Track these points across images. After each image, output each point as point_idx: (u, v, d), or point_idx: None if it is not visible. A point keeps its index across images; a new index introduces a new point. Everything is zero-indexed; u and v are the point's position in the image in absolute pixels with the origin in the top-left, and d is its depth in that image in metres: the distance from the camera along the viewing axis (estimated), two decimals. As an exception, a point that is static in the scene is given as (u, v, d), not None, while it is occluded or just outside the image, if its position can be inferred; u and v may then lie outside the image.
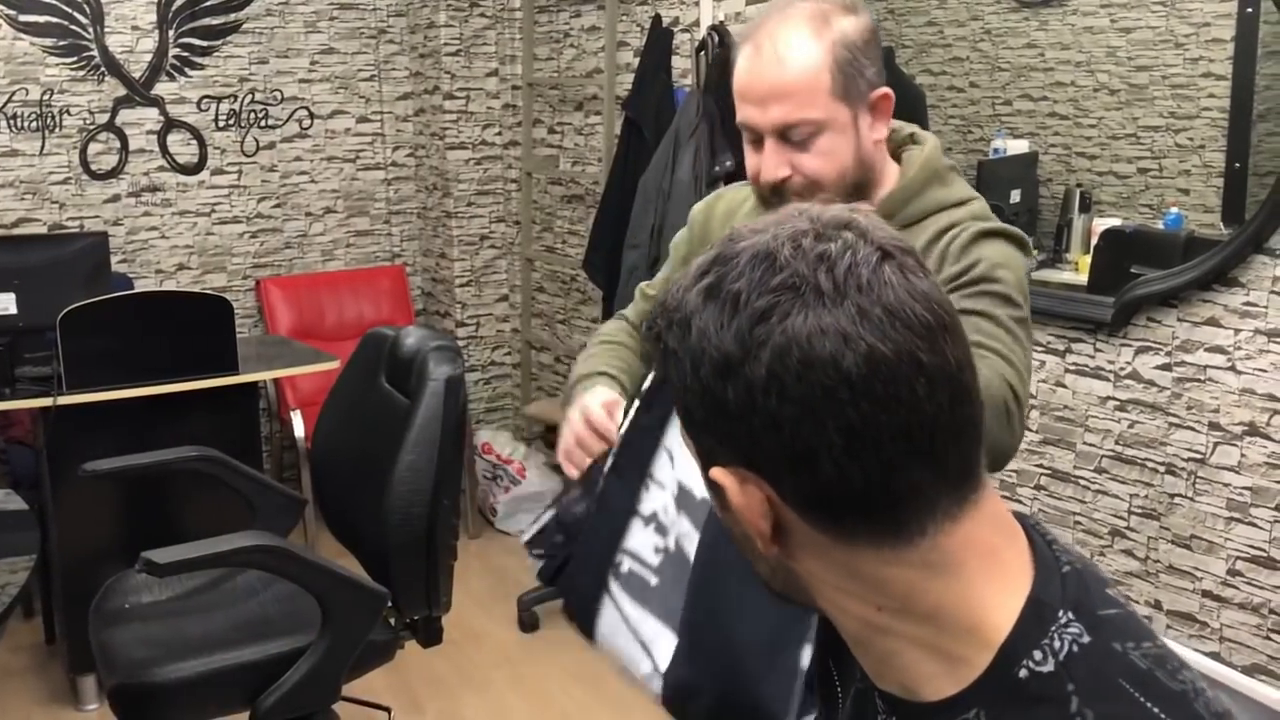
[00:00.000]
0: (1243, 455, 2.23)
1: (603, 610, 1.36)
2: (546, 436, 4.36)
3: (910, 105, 2.67)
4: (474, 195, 4.47)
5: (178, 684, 2.11)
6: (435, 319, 4.70)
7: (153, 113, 4.17)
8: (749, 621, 1.19)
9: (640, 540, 1.34)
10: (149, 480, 2.95)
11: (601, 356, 1.61)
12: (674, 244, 1.71)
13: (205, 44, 4.23)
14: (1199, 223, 2.38)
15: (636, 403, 1.37)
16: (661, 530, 1.32)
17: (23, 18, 3.92)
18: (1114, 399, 2.44)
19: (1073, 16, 2.62)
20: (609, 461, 1.37)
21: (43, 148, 4.01)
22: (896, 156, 1.48)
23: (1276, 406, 2.17)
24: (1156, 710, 0.69)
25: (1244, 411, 2.22)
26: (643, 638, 1.32)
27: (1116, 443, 2.45)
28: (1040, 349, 2.54)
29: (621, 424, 1.37)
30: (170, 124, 4.20)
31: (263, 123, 4.37)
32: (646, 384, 1.36)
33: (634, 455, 1.35)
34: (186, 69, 4.20)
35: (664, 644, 1.30)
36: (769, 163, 1.39)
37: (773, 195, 1.40)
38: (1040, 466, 2.60)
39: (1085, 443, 2.51)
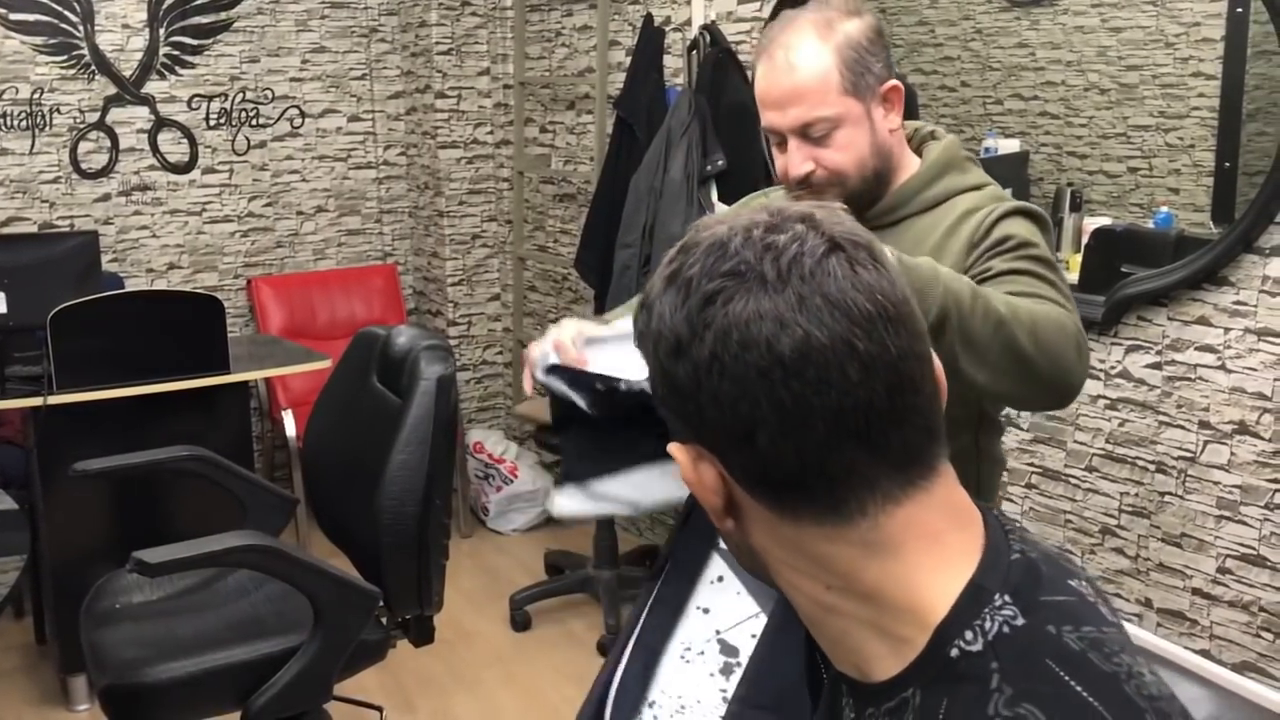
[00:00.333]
0: (1232, 454, 2.24)
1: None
2: (538, 436, 4.36)
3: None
4: (466, 194, 4.46)
5: (169, 684, 2.10)
6: (427, 318, 4.70)
7: (143, 111, 4.16)
8: None
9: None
10: (140, 480, 2.94)
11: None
12: None
13: (196, 42, 4.22)
14: (1189, 222, 2.38)
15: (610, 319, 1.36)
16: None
17: (13, 16, 3.90)
18: (1104, 397, 2.44)
19: (1063, 16, 2.62)
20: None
21: (33, 146, 4.00)
22: (919, 152, 1.61)
23: (1266, 405, 2.18)
24: (1079, 689, 0.68)
25: (1234, 410, 2.22)
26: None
27: (1107, 441, 2.45)
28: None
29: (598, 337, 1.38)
30: (161, 123, 4.19)
31: (254, 121, 4.36)
32: None
33: None
34: (177, 67, 4.19)
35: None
36: (793, 160, 1.50)
37: (800, 190, 1.52)
38: (1031, 465, 2.61)
39: (1076, 441, 2.51)
